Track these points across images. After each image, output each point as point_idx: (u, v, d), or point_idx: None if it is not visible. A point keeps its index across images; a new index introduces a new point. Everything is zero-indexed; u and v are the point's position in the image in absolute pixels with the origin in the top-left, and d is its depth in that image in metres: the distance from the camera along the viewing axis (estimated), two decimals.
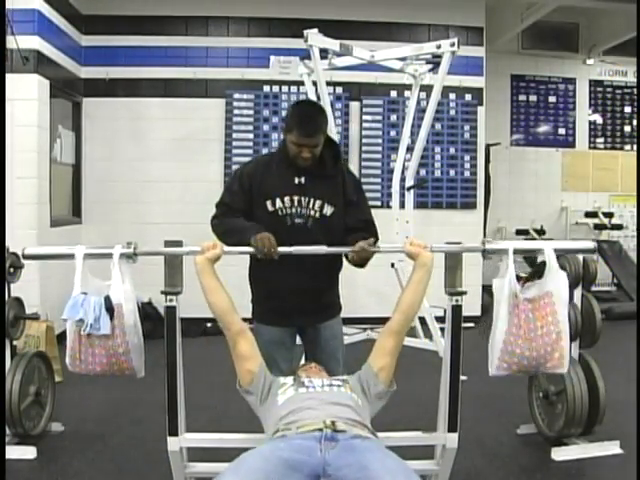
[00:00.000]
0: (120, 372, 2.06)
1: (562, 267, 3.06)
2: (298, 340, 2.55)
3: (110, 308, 1.99)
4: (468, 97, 6.01)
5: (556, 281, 2.08)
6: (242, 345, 2.01)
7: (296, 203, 2.35)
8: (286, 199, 2.35)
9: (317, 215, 2.36)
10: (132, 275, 2.10)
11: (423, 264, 2.10)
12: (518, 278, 2.08)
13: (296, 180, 2.36)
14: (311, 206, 2.36)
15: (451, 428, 2.12)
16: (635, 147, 7.94)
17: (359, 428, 1.71)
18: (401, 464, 1.59)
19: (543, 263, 2.09)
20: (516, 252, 2.14)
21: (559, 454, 2.85)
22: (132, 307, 2.03)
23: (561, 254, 3.18)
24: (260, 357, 2.04)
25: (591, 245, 2.22)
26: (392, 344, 2.03)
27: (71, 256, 2.07)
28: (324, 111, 2.41)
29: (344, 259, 2.41)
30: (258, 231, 2.19)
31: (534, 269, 2.13)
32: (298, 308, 2.39)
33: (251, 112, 5.81)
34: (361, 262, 2.26)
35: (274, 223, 2.32)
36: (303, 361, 2.53)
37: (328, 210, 2.37)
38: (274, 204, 2.35)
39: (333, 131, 4.28)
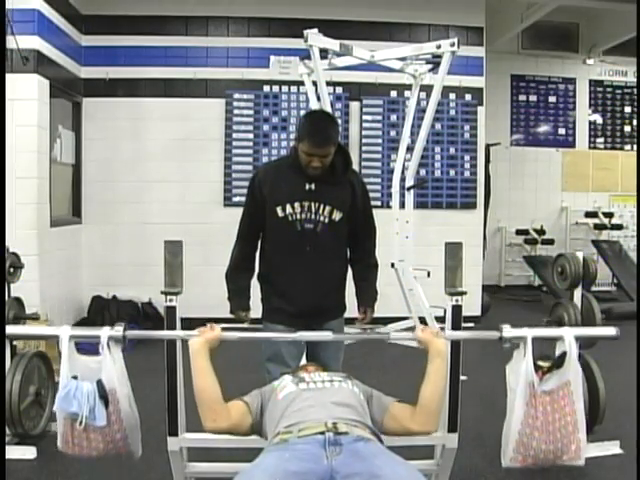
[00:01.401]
0: (117, 454, 1.97)
1: (562, 267, 3.08)
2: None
3: (104, 396, 1.85)
4: (468, 97, 6.01)
5: (575, 370, 1.98)
6: (240, 430, 1.89)
7: (306, 209, 2.41)
8: (296, 205, 2.40)
9: (326, 221, 2.43)
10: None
11: (437, 353, 1.92)
12: (536, 367, 1.96)
13: (307, 186, 2.41)
14: (321, 212, 2.41)
15: (451, 428, 2.13)
16: (635, 147, 7.95)
17: (360, 429, 1.70)
18: (411, 470, 1.57)
19: (564, 354, 1.96)
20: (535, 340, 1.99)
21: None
22: (126, 390, 1.91)
23: (561, 255, 3.21)
24: (241, 402, 1.91)
25: (613, 332, 2.13)
26: (408, 431, 1.88)
27: (55, 337, 1.92)
28: (335, 121, 2.47)
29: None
30: (236, 309, 2.54)
31: (555, 361, 2.02)
32: (305, 308, 2.45)
33: (251, 112, 5.80)
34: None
35: (284, 228, 2.42)
36: (304, 361, 2.55)
37: (337, 216, 2.43)
38: (284, 210, 2.41)
39: None
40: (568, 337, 1.98)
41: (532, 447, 1.93)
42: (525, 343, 1.95)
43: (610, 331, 2.10)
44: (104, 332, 1.90)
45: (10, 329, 2.18)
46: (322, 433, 1.62)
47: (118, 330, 1.91)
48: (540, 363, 1.98)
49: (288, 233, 2.42)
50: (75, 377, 1.85)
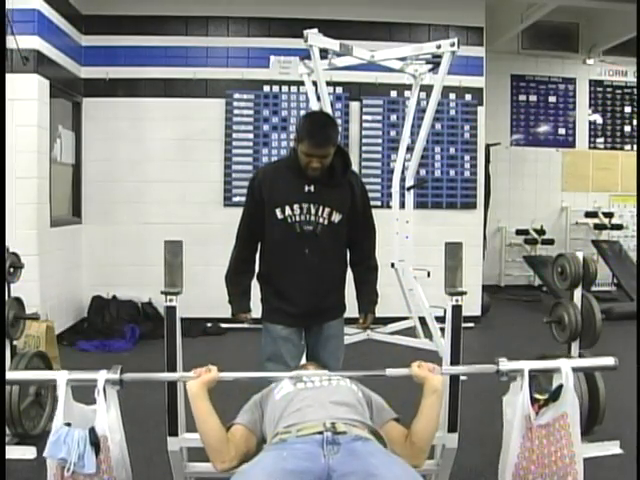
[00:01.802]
0: None
1: (562, 267, 3.08)
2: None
3: (95, 443, 1.80)
4: (468, 97, 6.01)
5: (572, 401, 1.98)
6: (250, 454, 1.87)
7: (305, 211, 2.41)
8: (295, 207, 2.41)
9: (326, 222, 2.43)
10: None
11: (433, 390, 1.92)
12: (532, 400, 1.96)
13: (306, 188, 2.41)
14: (320, 214, 2.42)
15: (451, 428, 2.12)
16: (635, 147, 7.95)
17: (359, 428, 1.70)
18: (408, 470, 1.57)
19: (560, 387, 1.96)
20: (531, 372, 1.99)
21: None
22: (119, 438, 1.87)
23: (561, 255, 3.21)
24: (241, 427, 1.91)
25: (611, 362, 2.11)
26: (402, 455, 1.85)
27: (52, 381, 1.89)
28: (335, 122, 2.46)
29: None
30: (238, 311, 2.55)
31: (551, 394, 2.01)
32: (305, 309, 2.46)
33: (251, 112, 5.80)
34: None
35: (284, 230, 2.42)
36: (304, 360, 2.56)
37: (336, 217, 2.44)
38: (284, 212, 2.42)
39: None
40: (565, 369, 1.97)
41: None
42: (522, 376, 1.95)
43: (608, 361, 2.09)
44: (101, 375, 1.85)
45: (9, 376, 2.15)
46: (320, 433, 1.62)
47: (115, 373, 1.87)
48: (537, 396, 1.98)
49: (287, 235, 2.42)
50: (68, 424, 1.80)
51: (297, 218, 2.41)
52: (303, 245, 2.42)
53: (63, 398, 1.83)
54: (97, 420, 1.82)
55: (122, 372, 1.87)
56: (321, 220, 2.42)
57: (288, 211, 2.41)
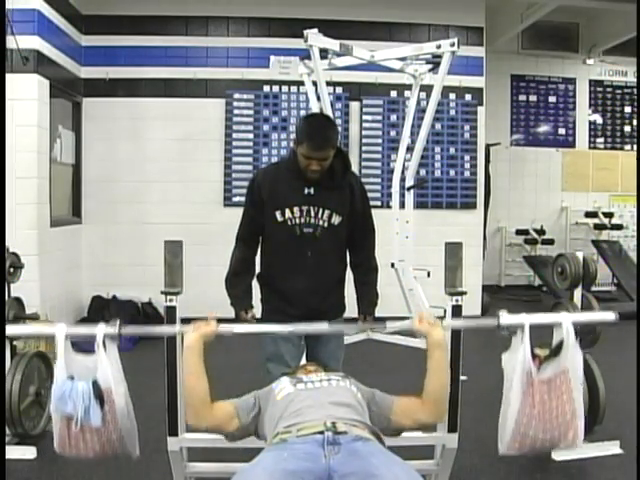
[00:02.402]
0: (114, 454, 1.95)
1: (562, 267, 3.08)
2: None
3: (100, 396, 1.83)
4: (468, 97, 6.01)
5: (573, 357, 1.97)
6: (222, 431, 1.88)
7: (305, 213, 2.41)
8: (295, 209, 2.41)
9: (325, 225, 2.43)
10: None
11: (437, 345, 1.91)
12: (533, 356, 1.95)
13: (305, 191, 2.41)
14: (320, 216, 2.42)
15: (451, 428, 2.13)
16: (635, 147, 7.94)
17: (360, 428, 1.70)
18: (408, 470, 1.57)
19: (561, 342, 1.95)
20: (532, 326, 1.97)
21: (559, 454, 2.84)
22: (122, 390, 1.89)
23: (561, 255, 3.21)
24: (230, 404, 1.90)
25: (612, 317, 2.11)
26: (419, 422, 1.89)
27: (51, 335, 1.93)
28: (334, 124, 2.46)
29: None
30: (240, 309, 2.50)
31: (552, 350, 2.01)
32: (305, 309, 2.45)
33: (251, 112, 5.81)
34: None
35: (284, 232, 2.42)
36: (304, 360, 2.56)
37: (336, 220, 2.44)
38: (283, 214, 2.41)
39: None
40: (566, 323, 1.96)
41: (529, 436, 1.93)
42: (523, 330, 1.94)
43: (609, 316, 2.11)
44: (99, 329, 1.87)
45: (8, 329, 2.18)
46: (321, 432, 1.62)
47: (113, 327, 1.88)
48: (538, 351, 1.97)
49: (287, 237, 2.43)
50: (71, 377, 1.84)
51: (297, 221, 2.41)
52: (303, 247, 2.42)
53: (62, 351, 1.88)
54: (99, 373, 1.85)
55: (121, 326, 1.88)
56: (321, 222, 2.42)
57: (288, 214, 2.41)
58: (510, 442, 1.95)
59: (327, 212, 2.42)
